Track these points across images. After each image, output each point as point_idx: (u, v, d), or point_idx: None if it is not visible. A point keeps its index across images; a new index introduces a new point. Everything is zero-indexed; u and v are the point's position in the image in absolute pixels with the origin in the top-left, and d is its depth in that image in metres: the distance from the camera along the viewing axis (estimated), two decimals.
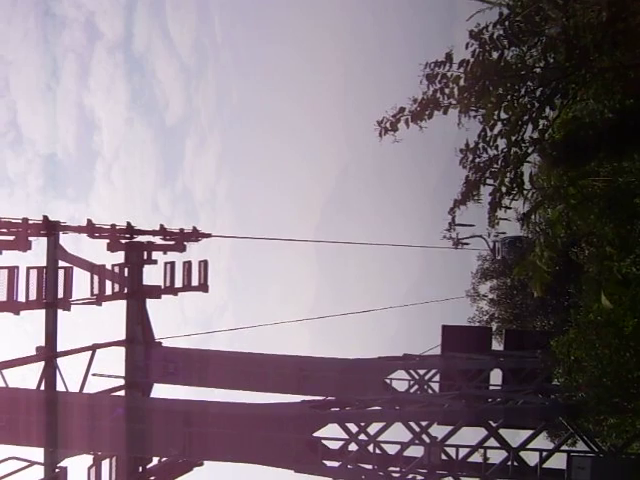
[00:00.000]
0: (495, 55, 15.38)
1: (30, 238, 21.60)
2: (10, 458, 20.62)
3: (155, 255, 26.87)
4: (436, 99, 15.18)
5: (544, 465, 20.21)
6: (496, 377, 27.57)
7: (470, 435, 21.53)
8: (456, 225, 17.04)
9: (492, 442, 20.70)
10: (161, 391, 26.92)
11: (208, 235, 29.15)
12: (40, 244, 22.38)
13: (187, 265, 27.82)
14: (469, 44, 15.41)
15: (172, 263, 27.35)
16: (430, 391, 26.91)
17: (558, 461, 20.43)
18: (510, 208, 16.25)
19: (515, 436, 22.36)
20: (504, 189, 15.71)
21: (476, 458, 21.20)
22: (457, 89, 15.00)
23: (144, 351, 26.49)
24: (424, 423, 20.78)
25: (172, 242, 27.67)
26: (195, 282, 28.22)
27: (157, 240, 27.25)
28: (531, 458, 20.52)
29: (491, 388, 27.07)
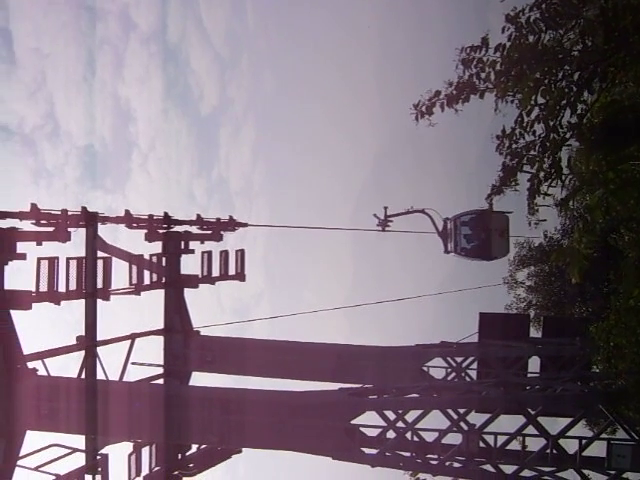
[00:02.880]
0: (532, 39, 15.19)
1: (69, 229, 21.81)
2: (52, 445, 20.95)
3: (192, 245, 27.06)
4: (472, 83, 15.06)
5: (584, 453, 20.03)
6: (534, 364, 27.39)
7: (508, 423, 21.43)
8: (493, 212, 16.91)
9: (531, 430, 20.57)
10: (199, 379, 27.18)
11: (244, 224, 29.28)
12: (79, 235, 22.61)
13: (224, 254, 27.98)
14: (505, 28, 15.23)
15: (209, 252, 27.52)
16: (468, 379, 26.82)
17: (598, 449, 20.25)
18: (549, 195, 16.06)
19: (554, 424, 22.18)
20: (542, 175, 15.53)
21: (514, 446, 21.10)
22: (494, 73, 14.85)
23: (182, 340, 26.72)
24: (462, 411, 20.70)
25: (209, 232, 27.82)
26: (232, 271, 28.39)
27: (194, 230, 27.43)
28: (570, 446, 20.35)
29: (529, 375, 26.90)
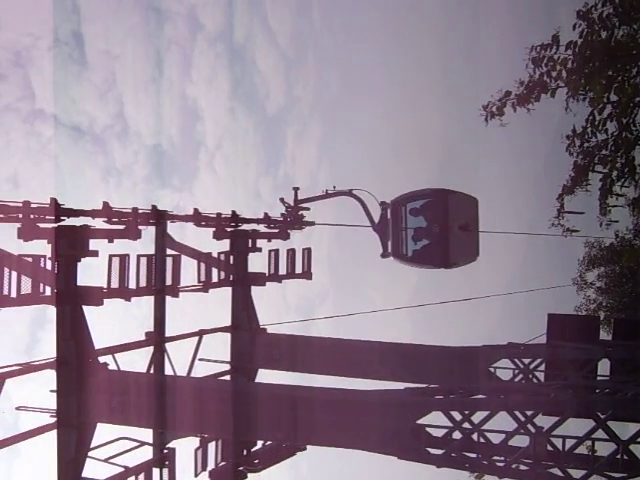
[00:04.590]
0: (604, 35, 14.90)
1: (140, 227, 22.23)
2: (121, 438, 21.36)
3: (259, 243, 27.32)
4: (543, 82, 14.86)
5: None
6: (604, 368, 26.84)
7: (576, 426, 21.03)
8: (565, 212, 16.64)
9: (600, 434, 20.14)
10: (265, 376, 27.36)
11: (311, 223, 29.50)
12: (149, 233, 23.02)
13: (291, 253, 28.19)
14: (576, 25, 14.99)
15: (276, 251, 27.76)
16: (535, 381, 26.42)
17: None
18: (622, 195, 15.77)
19: (624, 429, 21.69)
20: (615, 175, 15.23)
21: (583, 450, 20.69)
22: (565, 71, 14.64)
23: (249, 337, 26.94)
24: (529, 413, 20.39)
25: (276, 230, 28.10)
26: (299, 269, 28.59)
27: (261, 228, 27.72)
28: None
29: (599, 379, 26.38)
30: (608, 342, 28.77)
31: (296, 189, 30.06)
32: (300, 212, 29.94)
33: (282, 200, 29.81)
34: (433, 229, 27.56)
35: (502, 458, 20.25)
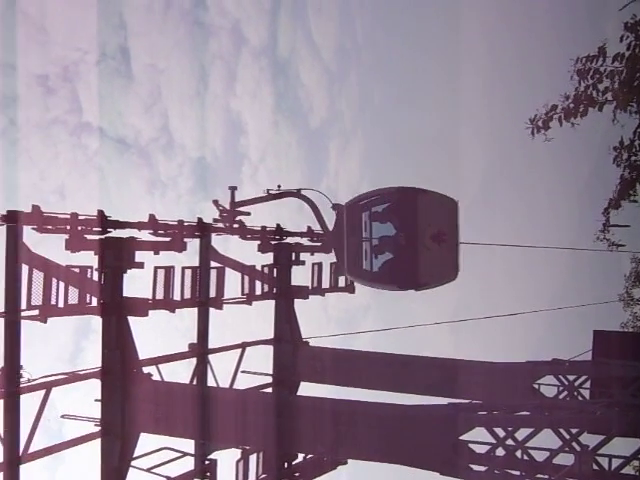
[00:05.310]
0: None
1: (185, 239, 22.43)
2: (163, 448, 21.48)
3: (302, 256, 27.39)
4: (590, 95, 14.70)
5: None
6: None
7: (622, 445, 20.64)
8: (611, 226, 16.42)
9: None
10: (307, 389, 27.37)
11: None
12: (193, 245, 23.23)
13: (334, 266, 28.23)
14: (624, 36, 14.83)
15: (319, 264, 27.88)
16: (580, 398, 26.03)
17: None
18: None
19: None
20: None
21: (629, 470, 20.29)
22: (617, 83, 14.45)
23: (292, 350, 26.95)
24: (574, 431, 20.06)
25: (319, 243, 28.14)
26: (342, 283, 28.63)
27: (304, 241, 27.81)
28: None
29: None
30: None
31: (233, 188, 24.99)
32: (238, 217, 25.51)
33: (216, 203, 24.94)
34: (398, 240, 23.31)
35: (546, 476, 19.93)
